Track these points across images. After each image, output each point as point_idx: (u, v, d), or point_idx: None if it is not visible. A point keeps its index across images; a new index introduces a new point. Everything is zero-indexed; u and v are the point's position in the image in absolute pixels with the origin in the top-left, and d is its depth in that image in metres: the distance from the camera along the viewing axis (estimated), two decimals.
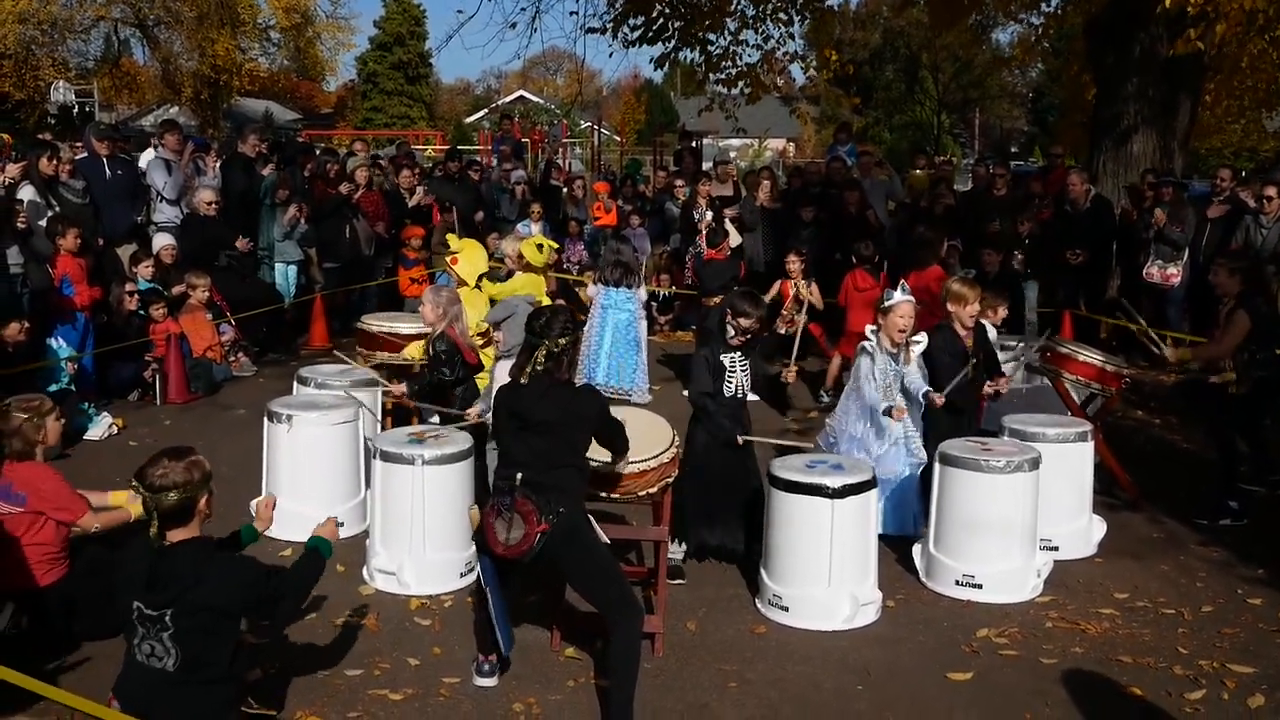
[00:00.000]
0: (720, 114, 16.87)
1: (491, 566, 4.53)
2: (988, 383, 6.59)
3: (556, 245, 11.63)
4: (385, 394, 7.23)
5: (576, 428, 4.46)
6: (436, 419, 6.65)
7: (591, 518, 4.56)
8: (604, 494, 5.03)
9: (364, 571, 5.88)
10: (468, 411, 6.47)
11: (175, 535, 3.58)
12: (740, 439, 5.88)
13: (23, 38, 29.41)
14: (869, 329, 6.68)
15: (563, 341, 4.48)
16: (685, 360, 9.82)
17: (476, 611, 4.76)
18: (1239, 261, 7.39)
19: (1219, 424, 7.20)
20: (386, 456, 5.71)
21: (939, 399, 6.31)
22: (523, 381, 4.49)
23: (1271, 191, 10.36)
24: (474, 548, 5.63)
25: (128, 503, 5.27)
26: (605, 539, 4.56)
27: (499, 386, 4.70)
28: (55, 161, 9.73)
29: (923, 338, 6.58)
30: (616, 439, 4.76)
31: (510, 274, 9.12)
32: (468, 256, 8.75)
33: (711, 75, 15.81)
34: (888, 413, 6.36)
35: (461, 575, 5.75)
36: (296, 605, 4.01)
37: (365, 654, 5.03)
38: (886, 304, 6.53)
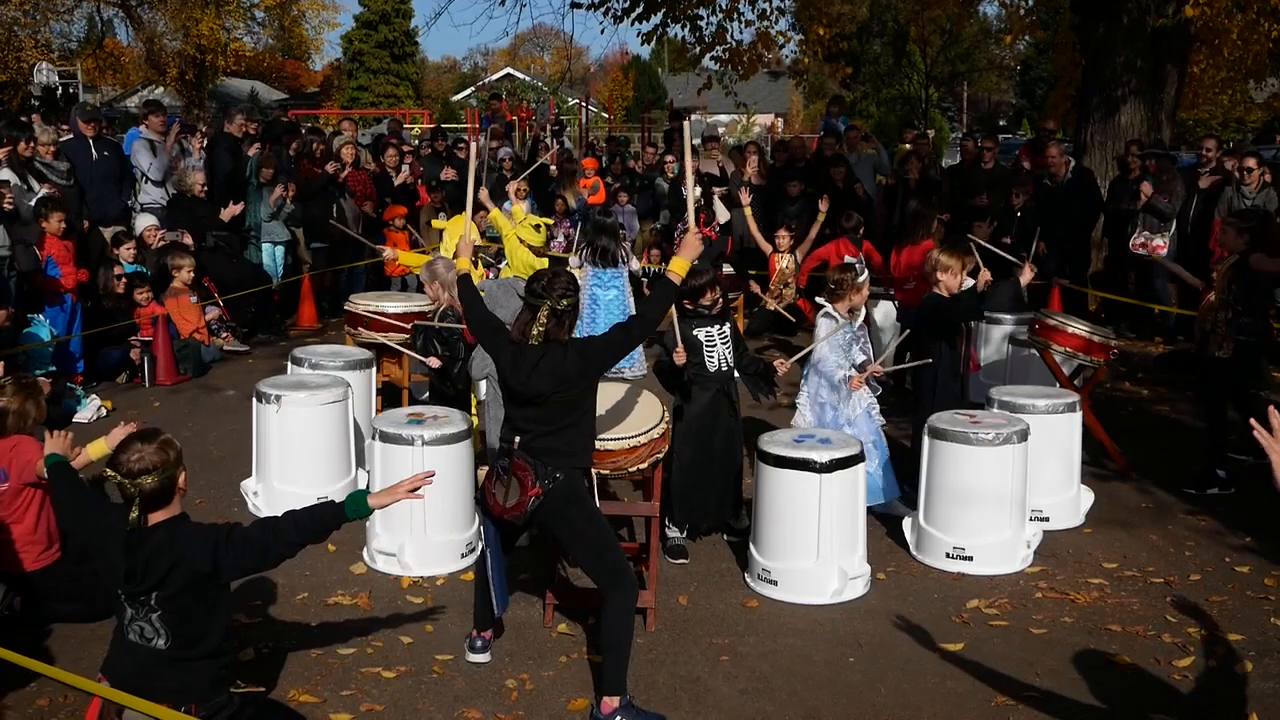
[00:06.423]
0: (708, 89, 16.84)
1: (494, 529, 4.54)
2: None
3: (551, 221, 11.64)
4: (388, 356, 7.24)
5: (571, 388, 4.35)
6: (426, 395, 6.69)
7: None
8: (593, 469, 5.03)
9: (364, 553, 5.87)
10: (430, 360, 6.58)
11: (156, 517, 3.51)
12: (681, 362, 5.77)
13: (4, 19, 29.14)
14: (819, 299, 6.68)
15: (565, 302, 4.37)
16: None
17: (476, 582, 4.76)
18: (1249, 221, 7.36)
19: (1209, 393, 7.22)
20: (385, 437, 5.67)
21: (879, 369, 6.43)
22: (530, 343, 4.34)
23: (1252, 163, 10.52)
24: (474, 529, 5.67)
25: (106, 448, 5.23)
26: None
27: (505, 350, 4.49)
28: (31, 144, 9.66)
29: (864, 309, 6.66)
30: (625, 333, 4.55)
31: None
32: (452, 232, 8.73)
33: (705, 55, 15.76)
34: (847, 381, 6.35)
35: (462, 556, 5.74)
36: (288, 554, 3.64)
37: (358, 632, 5.04)
38: (859, 279, 6.55)
